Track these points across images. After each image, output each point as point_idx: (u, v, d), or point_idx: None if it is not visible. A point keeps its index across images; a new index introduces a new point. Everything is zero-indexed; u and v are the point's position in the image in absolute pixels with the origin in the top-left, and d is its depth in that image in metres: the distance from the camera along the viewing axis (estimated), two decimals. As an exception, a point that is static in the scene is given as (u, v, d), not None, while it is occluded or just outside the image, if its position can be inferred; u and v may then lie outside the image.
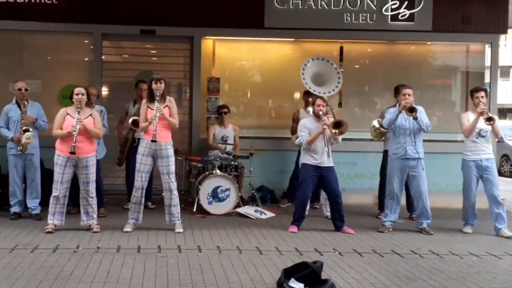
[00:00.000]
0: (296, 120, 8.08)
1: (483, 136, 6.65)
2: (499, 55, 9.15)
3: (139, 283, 4.50)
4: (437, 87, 9.60)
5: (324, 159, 6.52)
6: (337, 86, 7.87)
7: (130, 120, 7.21)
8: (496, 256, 5.73)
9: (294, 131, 8.10)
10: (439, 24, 8.78)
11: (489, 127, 6.57)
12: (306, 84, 7.76)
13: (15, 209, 6.84)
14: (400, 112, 6.53)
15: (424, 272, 5.08)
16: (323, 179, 6.58)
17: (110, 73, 8.64)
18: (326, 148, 6.46)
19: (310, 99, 7.88)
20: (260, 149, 8.14)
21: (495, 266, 5.38)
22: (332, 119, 6.71)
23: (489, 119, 6.48)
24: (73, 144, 5.97)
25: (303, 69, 7.72)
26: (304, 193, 6.63)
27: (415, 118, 6.48)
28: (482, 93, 6.63)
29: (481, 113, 6.51)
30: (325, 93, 7.77)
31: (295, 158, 8.15)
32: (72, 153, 5.99)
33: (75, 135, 5.99)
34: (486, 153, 6.69)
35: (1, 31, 8.47)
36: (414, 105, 6.48)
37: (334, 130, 6.48)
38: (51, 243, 5.70)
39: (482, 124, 6.58)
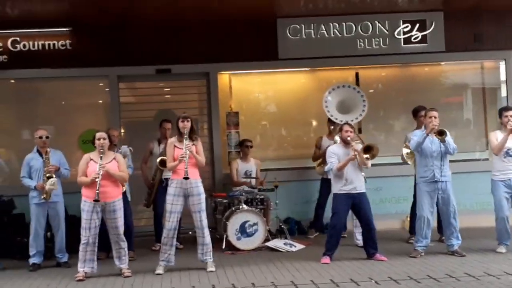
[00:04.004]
0: (319, 146, 8.11)
1: (511, 156, 6.63)
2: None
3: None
4: (452, 106, 9.56)
5: (357, 185, 6.50)
6: (363, 110, 7.90)
7: (158, 160, 7.20)
8: (533, 275, 5.65)
9: (316, 157, 8.13)
10: (451, 44, 8.83)
11: None
12: (331, 115, 7.77)
13: (34, 259, 6.62)
14: (427, 135, 6.52)
15: (464, 296, 5.02)
16: (356, 206, 6.54)
17: (127, 114, 8.69)
18: (362, 173, 6.51)
19: (332, 127, 7.90)
20: (284, 180, 8.09)
21: (534, 285, 5.30)
22: (360, 145, 6.69)
23: None
24: (97, 191, 5.91)
25: (326, 101, 7.77)
26: (338, 224, 6.55)
27: (443, 141, 6.46)
28: (511, 112, 6.62)
29: (511, 131, 6.50)
30: (352, 120, 7.75)
31: (319, 187, 8.12)
32: (96, 200, 5.94)
33: (98, 182, 5.93)
34: None
35: (16, 80, 8.57)
36: (443, 128, 6.48)
37: (365, 155, 6.45)
38: (85, 291, 5.66)
39: (510, 143, 6.57)
